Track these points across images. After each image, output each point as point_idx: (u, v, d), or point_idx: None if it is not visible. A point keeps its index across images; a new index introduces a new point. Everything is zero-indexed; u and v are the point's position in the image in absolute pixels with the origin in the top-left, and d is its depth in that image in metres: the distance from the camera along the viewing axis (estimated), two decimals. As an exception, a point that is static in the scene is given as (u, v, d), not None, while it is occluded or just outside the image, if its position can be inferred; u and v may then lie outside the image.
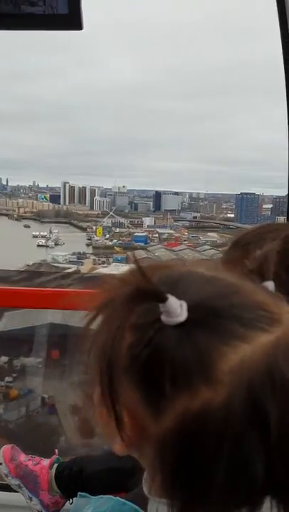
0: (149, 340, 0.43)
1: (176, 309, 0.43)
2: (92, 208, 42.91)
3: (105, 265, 24.76)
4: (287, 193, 1.73)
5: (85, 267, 25.26)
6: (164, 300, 0.43)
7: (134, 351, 0.44)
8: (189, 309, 0.44)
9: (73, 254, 29.21)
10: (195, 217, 40.05)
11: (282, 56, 1.49)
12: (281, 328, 0.44)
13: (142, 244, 31.17)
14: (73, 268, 23.92)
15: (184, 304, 0.43)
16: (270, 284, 0.51)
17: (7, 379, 5.78)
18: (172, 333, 0.43)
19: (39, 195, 43.90)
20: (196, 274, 0.48)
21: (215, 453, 0.42)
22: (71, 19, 1.17)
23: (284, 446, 0.42)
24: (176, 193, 44.90)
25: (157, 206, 43.23)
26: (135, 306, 0.44)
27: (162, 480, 0.44)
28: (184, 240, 32.16)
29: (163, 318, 0.43)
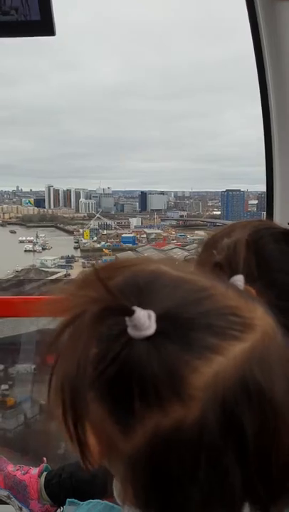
0: (116, 356, 0.41)
1: (144, 322, 0.40)
2: (77, 210, 42.81)
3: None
4: (266, 187, 1.67)
5: (75, 271, 25.12)
6: (130, 314, 0.40)
7: (100, 367, 0.41)
8: (157, 320, 0.41)
9: (62, 258, 29.04)
10: (182, 216, 40.23)
11: (254, 55, 1.53)
12: (254, 334, 0.43)
13: (131, 245, 31.18)
14: (63, 272, 23.77)
15: (153, 315, 0.41)
16: (239, 279, 0.49)
17: (3, 387, 5.75)
18: (140, 347, 0.40)
19: (23, 199, 43.69)
20: (164, 276, 0.45)
21: (190, 469, 0.40)
22: (44, 26, 1.21)
23: (260, 456, 0.41)
24: (162, 193, 45.05)
25: (143, 206, 43.31)
26: (101, 324, 0.41)
27: (134, 493, 0.43)
28: (172, 239, 32.29)
29: (130, 331, 0.40)
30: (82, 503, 0.83)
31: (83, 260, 28.93)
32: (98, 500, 0.72)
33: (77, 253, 31.27)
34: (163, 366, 0.40)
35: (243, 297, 0.45)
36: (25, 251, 31.78)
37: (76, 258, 29.85)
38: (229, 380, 0.40)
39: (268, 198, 1.68)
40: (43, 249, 32.07)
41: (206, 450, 0.40)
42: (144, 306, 0.41)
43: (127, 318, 0.40)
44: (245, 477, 0.41)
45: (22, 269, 22.72)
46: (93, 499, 0.95)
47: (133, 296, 0.42)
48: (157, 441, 0.40)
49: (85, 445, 0.43)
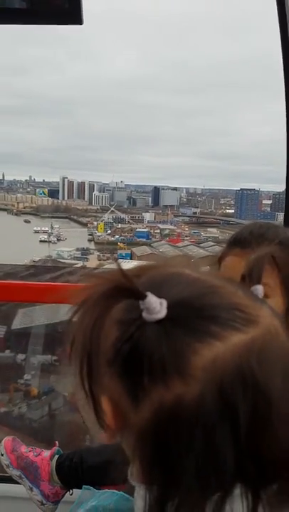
0: (131, 336, 0.46)
1: (156, 307, 0.45)
2: (90, 203, 42.74)
3: (110, 261, 24.50)
4: (285, 188, 1.69)
5: (91, 263, 24.96)
6: (142, 297, 0.45)
7: (117, 345, 0.46)
8: (169, 307, 0.45)
9: (77, 249, 28.98)
10: (195, 213, 40.08)
11: (281, 51, 1.46)
12: (256, 329, 0.46)
13: (144, 239, 30.96)
14: (79, 264, 23.78)
15: (164, 302, 0.45)
16: (258, 288, 0.53)
17: (26, 377, 5.46)
18: (152, 330, 0.45)
19: (37, 190, 43.64)
20: (181, 275, 0.50)
21: (187, 443, 0.44)
22: (72, 14, 1.17)
23: (252, 441, 0.44)
24: (175, 189, 44.81)
25: (156, 201, 43.08)
26: (114, 302, 0.46)
27: (141, 467, 0.47)
28: (186, 236, 32.14)
29: (144, 314, 0.45)
30: (97, 491, 0.89)
31: (98, 253, 28.80)
32: (114, 491, 0.76)
33: (92, 246, 30.98)
34: (169, 347, 0.44)
35: (251, 298, 0.50)
36: (41, 241, 31.72)
37: (91, 251, 29.73)
38: (227, 366, 0.44)
39: (287, 199, 1.68)
40: (58, 240, 31.97)
41: (201, 426, 0.43)
42: (157, 295, 0.46)
43: (141, 302, 0.45)
44: (237, 456, 0.44)
45: (39, 260, 22.80)
46: (103, 484, 0.99)
47: (148, 286, 0.47)
48: (161, 415, 0.44)
49: (99, 408, 0.48)
